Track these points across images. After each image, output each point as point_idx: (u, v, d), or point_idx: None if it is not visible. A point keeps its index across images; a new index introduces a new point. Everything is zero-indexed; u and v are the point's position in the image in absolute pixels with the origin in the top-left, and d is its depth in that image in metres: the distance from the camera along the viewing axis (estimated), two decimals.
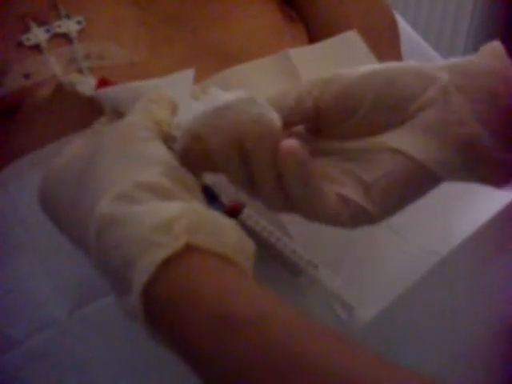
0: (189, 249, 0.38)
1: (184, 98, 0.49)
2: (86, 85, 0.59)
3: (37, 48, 0.63)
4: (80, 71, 0.63)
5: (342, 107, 0.48)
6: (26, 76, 0.62)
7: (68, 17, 0.65)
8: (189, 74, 0.53)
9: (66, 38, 0.64)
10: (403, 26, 0.95)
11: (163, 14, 0.68)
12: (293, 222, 0.56)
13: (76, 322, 0.54)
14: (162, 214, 0.39)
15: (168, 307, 0.38)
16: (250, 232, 0.53)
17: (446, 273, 0.57)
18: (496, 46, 0.48)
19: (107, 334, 0.53)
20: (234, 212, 0.54)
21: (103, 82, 0.58)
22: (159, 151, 0.44)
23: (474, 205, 0.62)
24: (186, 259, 0.38)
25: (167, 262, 0.38)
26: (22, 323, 0.55)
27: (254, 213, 0.53)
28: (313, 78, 0.49)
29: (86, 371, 0.53)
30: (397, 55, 0.81)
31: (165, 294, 0.38)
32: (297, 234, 0.56)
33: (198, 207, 0.40)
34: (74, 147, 0.48)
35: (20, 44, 0.63)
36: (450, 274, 0.57)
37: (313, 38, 0.76)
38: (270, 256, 0.54)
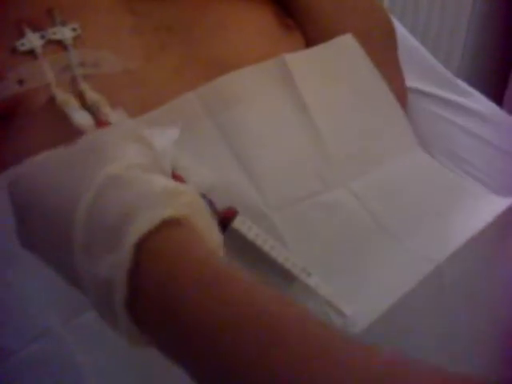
0: (184, 222, 0.40)
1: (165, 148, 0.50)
2: (83, 118, 0.59)
3: (31, 54, 0.63)
4: (74, 78, 0.62)
5: None
6: (20, 82, 0.62)
7: (63, 23, 0.64)
8: (175, 132, 0.53)
9: (60, 44, 0.64)
10: (401, 31, 0.95)
11: (158, 23, 0.68)
12: (288, 228, 0.55)
13: (71, 331, 0.54)
14: (171, 184, 0.41)
15: (156, 261, 0.38)
16: (243, 239, 0.53)
17: (442, 280, 0.57)
18: None
19: (104, 342, 0.53)
20: (227, 218, 0.53)
21: (106, 124, 0.58)
22: (153, 158, 0.45)
23: (470, 211, 0.62)
24: (182, 227, 0.39)
25: (166, 223, 0.38)
26: (15, 334, 0.54)
27: (247, 220, 0.53)
28: None
29: (82, 379, 0.53)
30: (394, 61, 0.81)
31: (157, 248, 0.38)
32: (291, 240, 0.56)
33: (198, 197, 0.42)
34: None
35: (14, 50, 0.63)
36: (446, 280, 0.57)
37: (310, 45, 0.76)
38: (263, 263, 0.53)
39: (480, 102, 0.91)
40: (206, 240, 0.40)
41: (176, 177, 0.52)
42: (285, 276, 0.53)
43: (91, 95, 0.61)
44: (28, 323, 0.54)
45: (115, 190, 0.40)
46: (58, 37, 0.64)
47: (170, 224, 0.39)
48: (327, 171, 0.63)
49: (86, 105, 0.60)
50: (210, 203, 0.54)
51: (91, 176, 0.41)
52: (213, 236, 0.42)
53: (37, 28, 0.64)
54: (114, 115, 0.59)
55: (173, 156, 0.48)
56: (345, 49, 0.72)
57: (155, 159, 0.46)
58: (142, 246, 0.38)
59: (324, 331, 0.35)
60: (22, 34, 0.64)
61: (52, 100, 0.61)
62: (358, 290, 0.56)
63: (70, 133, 0.58)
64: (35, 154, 0.58)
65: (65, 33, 0.64)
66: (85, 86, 0.61)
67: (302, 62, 0.68)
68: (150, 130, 0.50)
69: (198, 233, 0.40)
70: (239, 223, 0.53)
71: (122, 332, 0.39)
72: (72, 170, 0.43)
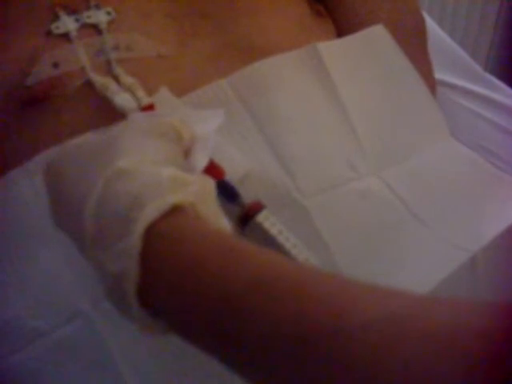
0: (193, 209, 0.40)
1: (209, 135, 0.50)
2: (125, 100, 0.59)
3: (66, 37, 0.63)
4: (108, 62, 0.62)
5: None
6: (55, 65, 0.62)
7: (98, 7, 0.65)
8: (218, 117, 0.53)
9: (94, 28, 0.64)
10: (429, 23, 0.95)
11: (192, 9, 0.68)
12: (320, 215, 0.55)
13: (101, 314, 0.54)
14: (179, 174, 0.41)
15: (171, 244, 0.38)
16: (265, 234, 0.52)
17: (476, 270, 0.56)
18: None
19: (130, 327, 0.53)
20: (253, 211, 0.53)
21: (150, 107, 0.58)
22: (175, 153, 0.45)
23: (505, 201, 0.61)
24: (188, 214, 0.40)
25: (175, 209, 0.39)
26: (47, 316, 0.55)
27: (272, 216, 0.53)
28: None
29: (111, 362, 0.53)
30: (424, 53, 0.81)
31: (167, 232, 0.38)
32: (324, 227, 0.56)
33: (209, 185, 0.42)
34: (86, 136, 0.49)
35: (49, 33, 0.63)
36: (480, 271, 0.57)
37: (340, 34, 0.76)
38: None
39: (508, 96, 0.90)
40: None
41: (214, 167, 0.52)
42: None
43: (126, 79, 0.61)
44: (59, 306, 0.55)
45: (122, 182, 0.40)
46: (92, 20, 0.64)
47: (176, 211, 0.39)
48: (359, 159, 0.63)
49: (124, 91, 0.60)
50: (236, 195, 0.54)
51: (101, 170, 0.42)
52: (221, 226, 0.42)
53: (71, 11, 0.64)
54: (158, 95, 0.59)
55: (215, 142, 0.48)
56: (376, 39, 0.71)
57: (177, 155, 0.45)
58: (150, 231, 0.38)
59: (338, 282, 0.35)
60: (56, 18, 0.64)
61: (87, 83, 0.61)
62: (391, 278, 0.56)
63: (106, 116, 0.59)
64: (70, 137, 0.59)
65: (99, 16, 0.64)
66: (119, 70, 0.62)
67: (335, 51, 0.68)
68: (196, 113, 0.50)
69: (204, 220, 0.40)
70: (263, 217, 0.52)
71: (134, 320, 0.40)
72: (89, 161, 0.44)
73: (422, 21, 0.82)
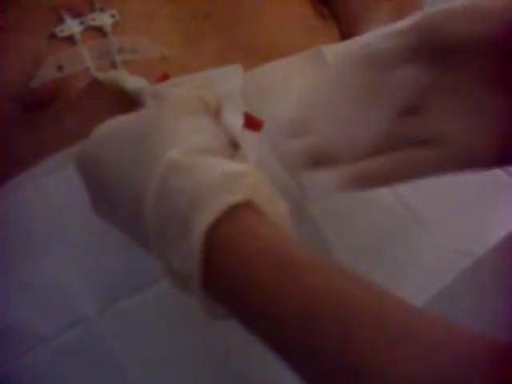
0: (249, 205, 0.40)
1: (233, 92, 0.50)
2: (136, 81, 0.59)
3: (70, 40, 0.63)
4: (113, 65, 0.63)
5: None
6: (60, 68, 0.62)
7: (102, 10, 0.65)
8: (238, 69, 0.53)
9: (99, 31, 0.64)
10: None
11: (196, 10, 0.68)
12: (326, 220, 0.55)
13: (107, 320, 0.54)
14: (231, 167, 0.41)
15: (229, 248, 0.39)
16: None
17: (481, 274, 0.56)
18: None
19: (139, 330, 0.53)
20: None
21: (165, 77, 0.58)
22: (211, 125, 0.46)
23: (509, 205, 0.61)
24: (248, 211, 0.40)
25: (232, 209, 0.39)
26: (52, 320, 0.55)
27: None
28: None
29: (116, 369, 0.53)
30: None
31: (227, 235, 0.39)
32: (330, 231, 0.56)
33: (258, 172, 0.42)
34: (113, 121, 0.49)
35: (53, 36, 0.63)
36: (485, 275, 0.57)
37: (344, 36, 0.76)
38: None
39: None
40: (271, 217, 0.41)
41: (251, 120, 0.51)
42: None
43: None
44: (64, 311, 0.55)
45: (178, 178, 0.41)
46: (97, 23, 0.64)
47: (235, 209, 0.40)
48: None
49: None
50: None
51: (153, 160, 0.42)
52: (278, 210, 0.42)
53: (76, 14, 0.65)
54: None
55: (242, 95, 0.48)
56: None
57: (214, 129, 0.46)
58: (211, 233, 0.39)
59: (403, 314, 0.35)
60: (60, 20, 0.64)
61: (91, 85, 0.62)
62: (396, 282, 0.55)
63: (107, 116, 0.59)
64: (73, 143, 0.59)
65: (104, 19, 0.64)
66: (125, 72, 0.62)
67: (340, 53, 0.68)
68: (214, 72, 0.52)
69: (263, 214, 0.41)
70: None
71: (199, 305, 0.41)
72: (133, 147, 0.44)
73: None
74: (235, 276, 0.38)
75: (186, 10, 0.68)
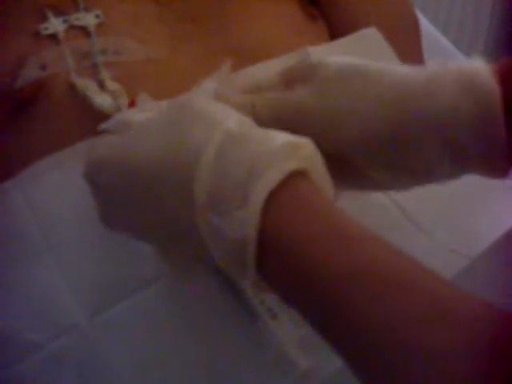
0: (306, 175, 0.41)
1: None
2: (107, 102, 0.59)
3: (54, 39, 0.62)
4: (95, 66, 0.62)
5: None
6: (43, 67, 0.61)
7: (87, 10, 0.64)
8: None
9: (83, 31, 0.63)
10: (423, 22, 0.94)
11: (182, 12, 0.68)
12: None
13: (96, 327, 0.53)
14: (290, 138, 0.41)
15: (286, 216, 0.39)
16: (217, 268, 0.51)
17: (475, 276, 0.56)
18: None
19: (127, 339, 0.53)
20: None
21: (133, 104, 0.58)
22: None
23: (504, 205, 0.61)
24: (306, 181, 0.41)
25: (291, 176, 0.39)
26: (42, 328, 0.54)
27: None
28: None
29: (107, 376, 0.52)
30: (418, 53, 0.80)
31: (285, 203, 0.39)
32: None
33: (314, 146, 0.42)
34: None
35: (37, 34, 0.63)
36: (479, 277, 0.56)
37: (333, 37, 0.75)
38: (231, 290, 0.52)
39: None
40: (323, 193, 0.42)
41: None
42: (250, 311, 0.52)
43: (111, 84, 0.60)
44: (54, 318, 0.54)
45: (236, 147, 0.41)
46: (81, 23, 0.63)
47: (293, 177, 0.40)
48: None
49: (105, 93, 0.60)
50: None
51: (206, 135, 0.41)
52: (327, 189, 0.43)
53: (60, 13, 0.64)
54: (139, 100, 0.59)
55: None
56: (369, 42, 0.71)
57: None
58: (269, 201, 0.39)
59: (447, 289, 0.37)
60: (44, 19, 0.63)
61: (72, 87, 0.61)
62: None
63: (90, 119, 0.58)
64: (62, 145, 0.58)
65: (88, 19, 0.63)
66: (105, 75, 0.61)
67: (326, 55, 0.67)
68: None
69: (317, 186, 0.41)
70: None
71: (247, 282, 0.41)
72: (174, 132, 0.43)
73: (416, 21, 0.81)
74: (291, 242, 0.39)
75: (171, 12, 0.67)
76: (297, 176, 0.40)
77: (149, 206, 0.44)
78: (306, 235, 0.38)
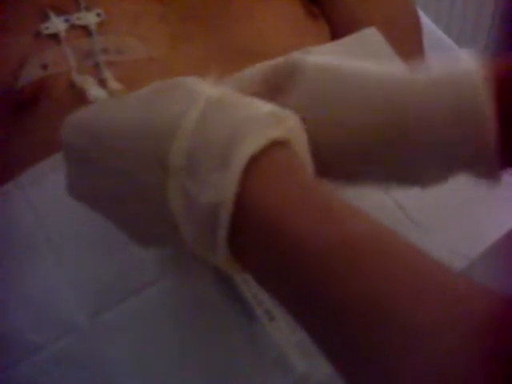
0: (289, 146, 0.39)
1: None
2: (99, 93, 0.58)
3: (55, 38, 0.63)
4: (96, 65, 0.62)
5: None
6: (44, 67, 0.61)
7: (88, 9, 0.64)
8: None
9: (84, 30, 0.63)
10: (425, 21, 0.94)
11: (184, 11, 0.68)
12: None
13: (97, 328, 0.53)
14: (275, 108, 0.40)
15: (266, 183, 0.37)
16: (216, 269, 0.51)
17: (475, 277, 0.56)
18: None
19: (128, 340, 0.52)
20: None
21: None
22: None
23: (504, 206, 0.61)
24: (288, 150, 0.39)
25: (273, 145, 0.38)
26: (43, 329, 0.54)
27: None
28: None
29: (107, 376, 0.52)
30: (420, 52, 0.80)
31: (266, 170, 0.38)
32: None
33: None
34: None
35: (38, 34, 0.63)
36: (480, 279, 0.56)
37: (335, 36, 0.75)
38: (229, 291, 0.52)
39: None
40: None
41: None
42: (248, 313, 0.52)
43: (113, 84, 0.60)
44: (55, 319, 0.54)
45: (220, 112, 0.39)
46: (82, 22, 0.63)
47: (276, 146, 0.38)
48: None
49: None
50: None
51: (187, 102, 0.40)
52: (308, 164, 0.41)
53: (61, 12, 0.64)
54: None
55: None
56: (370, 42, 0.71)
57: None
58: (250, 166, 0.37)
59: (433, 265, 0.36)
60: (46, 18, 0.63)
61: (73, 86, 0.60)
62: None
63: None
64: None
65: (89, 18, 0.64)
66: (107, 74, 0.61)
67: (327, 54, 0.67)
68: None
69: (299, 158, 0.40)
70: None
71: (215, 259, 0.39)
72: (156, 103, 0.42)
73: (418, 20, 0.81)
74: (268, 211, 0.37)
75: (173, 12, 0.67)
76: (279, 145, 0.39)
77: (123, 175, 0.42)
78: (285, 205, 0.37)
